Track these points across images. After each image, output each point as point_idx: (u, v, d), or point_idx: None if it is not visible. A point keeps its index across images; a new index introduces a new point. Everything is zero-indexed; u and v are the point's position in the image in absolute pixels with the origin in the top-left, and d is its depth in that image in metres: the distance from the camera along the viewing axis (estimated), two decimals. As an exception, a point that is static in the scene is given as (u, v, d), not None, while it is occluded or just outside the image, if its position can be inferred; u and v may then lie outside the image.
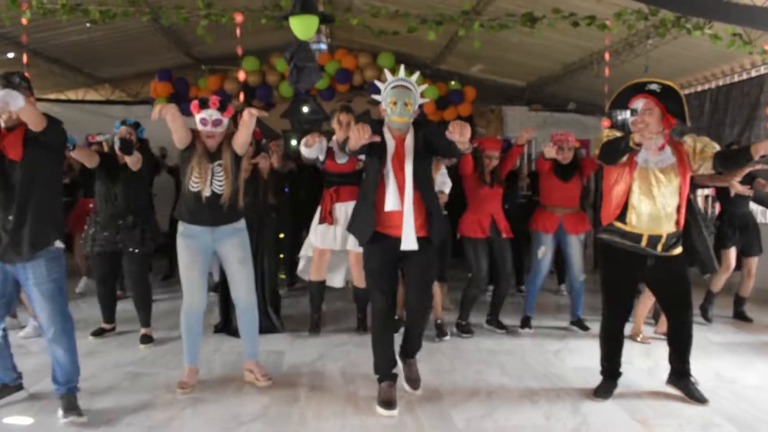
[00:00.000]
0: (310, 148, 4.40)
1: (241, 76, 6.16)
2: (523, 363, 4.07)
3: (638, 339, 4.55)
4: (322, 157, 4.53)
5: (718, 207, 5.57)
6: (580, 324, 4.92)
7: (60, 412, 3.07)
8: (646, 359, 4.10)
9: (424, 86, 3.30)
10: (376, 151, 3.22)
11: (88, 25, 5.80)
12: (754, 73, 6.58)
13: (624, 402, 3.38)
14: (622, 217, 3.28)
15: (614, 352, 3.50)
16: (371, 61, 9.07)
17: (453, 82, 9.38)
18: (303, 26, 4.38)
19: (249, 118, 3.34)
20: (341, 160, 4.49)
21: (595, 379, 3.55)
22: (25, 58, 5.61)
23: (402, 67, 3.36)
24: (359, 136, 3.02)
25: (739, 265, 5.34)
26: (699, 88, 7.58)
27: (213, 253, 3.56)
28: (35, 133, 2.91)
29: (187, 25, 5.96)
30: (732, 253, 5.26)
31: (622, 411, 3.26)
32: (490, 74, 9.78)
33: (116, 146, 3.97)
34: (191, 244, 3.48)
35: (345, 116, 4.41)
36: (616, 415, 3.22)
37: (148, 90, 9.41)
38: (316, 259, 4.70)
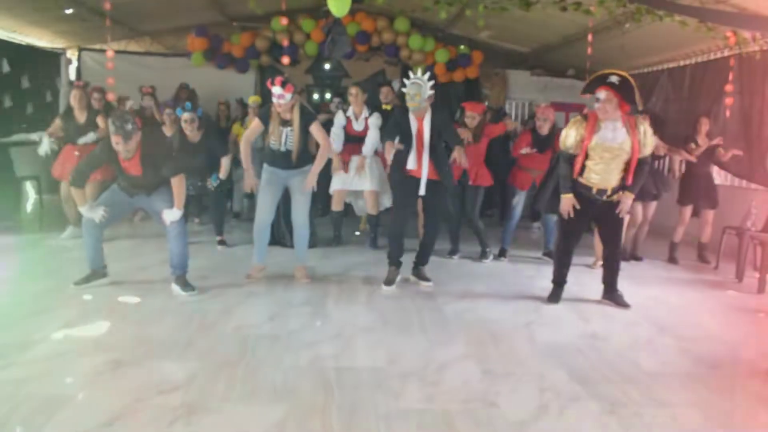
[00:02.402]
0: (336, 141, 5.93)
1: (285, 42, 7.16)
2: (502, 281, 5.21)
3: (594, 267, 5.73)
4: (343, 123, 6.00)
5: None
6: (550, 255, 6.06)
7: (177, 289, 4.37)
8: (598, 283, 5.21)
9: (431, 82, 4.66)
10: (404, 132, 4.75)
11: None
12: (727, 53, 7.45)
13: (575, 307, 4.52)
14: (581, 173, 4.34)
15: (564, 265, 4.60)
16: (388, 25, 9.89)
17: (462, 47, 10.17)
18: (339, 4, 5.33)
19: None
20: (358, 127, 5.99)
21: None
22: (108, 21, 6.56)
23: (419, 70, 4.76)
24: (389, 150, 4.63)
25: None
26: (681, 63, 8.44)
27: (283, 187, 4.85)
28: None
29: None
30: (688, 209, 6.39)
31: (572, 313, 4.39)
32: (496, 40, 10.54)
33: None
34: (269, 177, 4.77)
35: (355, 90, 5.96)
36: (567, 315, 4.34)
37: (184, 43, 10.22)
38: (335, 197, 6.18)
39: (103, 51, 9.93)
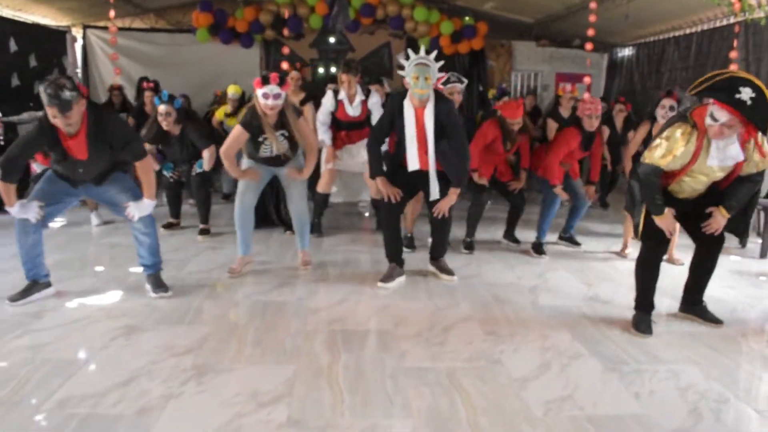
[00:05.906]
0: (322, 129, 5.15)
1: (285, 50, 7.04)
2: (508, 249, 5.25)
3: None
4: (332, 109, 5.12)
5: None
6: (570, 240, 5.47)
7: (149, 288, 3.75)
8: (604, 245, 5.25)
9: (441, 62, 3.87)
10: (398, 124, 3.95)
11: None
12: (732, 20, 7.38)
13: (579, 272, 4.56)
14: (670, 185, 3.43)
15: (651, 286, 3.50)
16: (393, -3, 9.84)
17: (467, 18, 10.10)
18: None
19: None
20: (353, 112, 5.10)
21: (561, 262, 4.69)
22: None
23: (422, 48, 4.05)
24: (391, 193, 4.02)
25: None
26: (687, 31, 8.37)
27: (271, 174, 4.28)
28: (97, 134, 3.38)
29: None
30: None
31: (575, 277, 4.43)
32: (501, 11, 10.46)
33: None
34: (252, 163, 4.19)
35: (346, 77, 4.97)
36: (570, 279, 4.38)
37: (189, 19, 10.17)
38: (325, 177, 5.34)
39: (107, 28, 9.93)
